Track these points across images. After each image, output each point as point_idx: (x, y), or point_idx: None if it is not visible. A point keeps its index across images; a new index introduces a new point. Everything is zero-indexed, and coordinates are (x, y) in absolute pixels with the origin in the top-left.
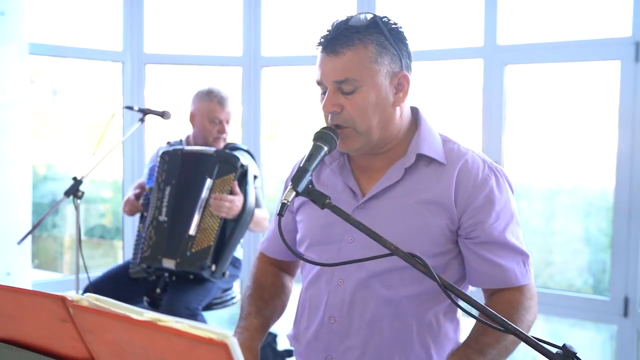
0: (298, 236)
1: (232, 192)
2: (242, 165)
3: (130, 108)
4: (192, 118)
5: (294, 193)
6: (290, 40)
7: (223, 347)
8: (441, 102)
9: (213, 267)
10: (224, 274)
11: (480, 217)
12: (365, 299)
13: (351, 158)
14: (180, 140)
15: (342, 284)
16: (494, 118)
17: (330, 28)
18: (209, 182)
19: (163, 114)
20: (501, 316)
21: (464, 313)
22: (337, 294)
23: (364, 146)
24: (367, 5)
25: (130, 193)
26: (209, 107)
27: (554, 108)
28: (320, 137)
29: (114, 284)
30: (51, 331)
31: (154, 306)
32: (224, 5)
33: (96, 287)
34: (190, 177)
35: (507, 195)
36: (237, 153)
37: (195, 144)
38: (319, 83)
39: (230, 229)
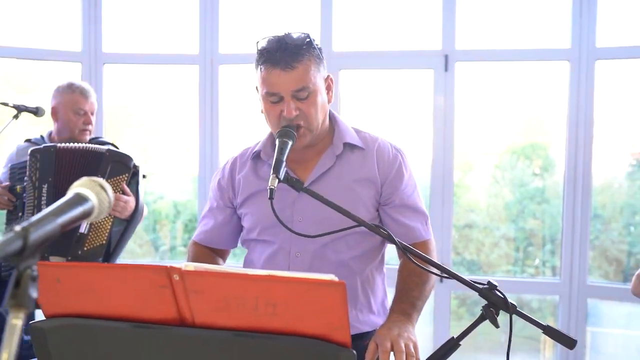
0: (247, 225)
1: (123, 192)
2: (134, 166)
3: (5, 104)
4: (55, 113)
5: (277, 180)
6: (248, 38)
7: (341, 286)
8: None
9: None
10: None
11: (395, 185)
12: (320, 264)
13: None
14: (42, 137)
15: (300, 255)
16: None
17: (270, 47)
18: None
19: (36, 111)
20: (420, 265)
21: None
22: (297, 264)
23: (311, 140)
24: (325, 4)
25: None
26: (72, 99)
27: (378, 111)
28: (285, 134)
29: None
30: (145, 299)
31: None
32: (181, 3)
33: None
34: (74, 174)
35: (410, 168)
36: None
37: (60, 140)
38: (273, 94)
39: (123, 228)
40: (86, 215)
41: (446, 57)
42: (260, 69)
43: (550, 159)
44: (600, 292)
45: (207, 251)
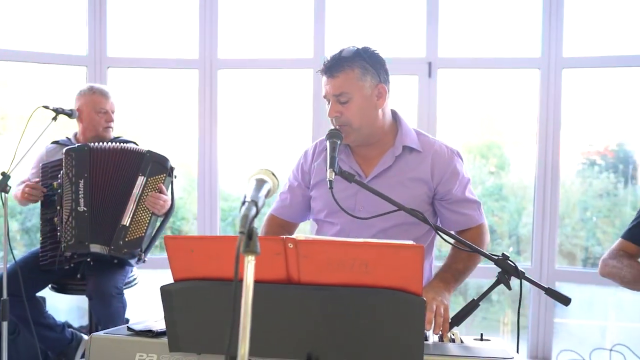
0: (316, 207)
1: (160, 191)
2: (171, 167)
3: (46, 107)
4: (79, 114)
5: (333, 173)
6: (247, 43)
7: (420, 248)
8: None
9: (142, 255)
10: (145, 260)
11: (449, 186)
12: None
13: (353, 150)
14: (68, 138)
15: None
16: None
17: (328, 58)
18: (141, 179)
19: (71, 113)
20: (470, 243)
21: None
22: None
23: (358, 138)
24: (319, 8)
25: (18, 189)
26: (93, 100)
27: None
28: (333, 135)
29: (27, 272)
30: (261, 264)
31: (62, 291)
32: (181, 8)
33: (10, 277)
34: (111, 171)
35: (462, 167)
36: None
37: (85, 139)
38: (325, 97)
39: (159, 223)
40: (271, 192)
41: (430, 64)
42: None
43: (505, 157)
44: (567, 276)
45: (278, 226)
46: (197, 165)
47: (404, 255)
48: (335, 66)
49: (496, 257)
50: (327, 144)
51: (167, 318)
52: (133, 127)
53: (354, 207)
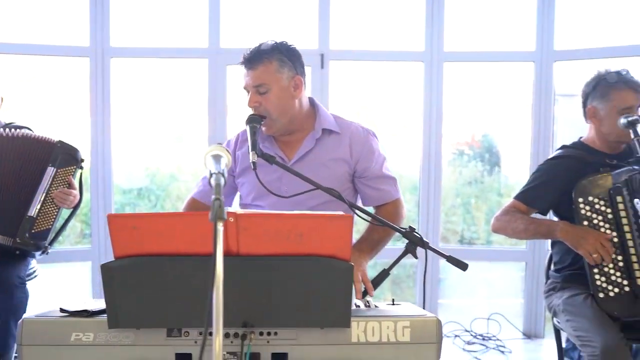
0: (244, 192)
1: (69, 184)
2: (81, 158)
3: None
4: None
5: (256, 155)
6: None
7: (349, 218)
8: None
9: (48, 248)
10: (48, 252)
11: (367, 164)
12: None
13: (276, 137)
14: None
15: None
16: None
17: (248, 51)
18: (51, 170)
19: None
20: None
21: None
22: None
23: (279, 129)
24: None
25: None
26: None
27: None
28: (252, 120)
29: None
30: (201, 238)
31: None
32: None
33: None
34: (15, 159)
35: (377, 145)
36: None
37: None
38: (245, 88)
39: (65, 215)
40: (227, 165)
41: (322, 55)
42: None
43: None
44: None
45: (199, 209)
46: (89, 157)
47: (335, 225)
48: (254, 59)
49: (404, 230)
50: (248, 128)
51: (107, 295)
52: (25, 115)
53: (280, 188)
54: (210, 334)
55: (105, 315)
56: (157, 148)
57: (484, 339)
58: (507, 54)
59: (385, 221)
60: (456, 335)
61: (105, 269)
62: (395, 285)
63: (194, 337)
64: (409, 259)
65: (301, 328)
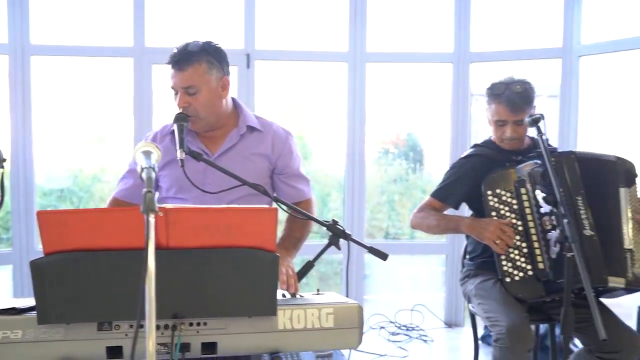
0: (165, 186)
1: None
2: (3, 159)
3: None
4: None
5: (183, 153)
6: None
7: (274, 211)
8: None
9: None
10: None
11: (286, 162)
12: None
13: (198, 132)
14: None
15: None
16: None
17: (175, 51)
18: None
19: None
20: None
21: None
22: None
23: (204, 125)
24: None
25: None
26: None
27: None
28: (180, 119)
29: None
30: (131, 233)
31: None
32: None
33: None
34: None
35: (296, 146)
36: None
37: None
38: (173, 88)
39: None
40: (158, 160)
41: (248, 55)
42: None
43: (307, 147)
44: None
45: (123, 206)
46: (9, 158)
47: (261, 218)
48: (183, 60)
49: (327, 223)
50: (175, 127)
51: (37, 291)
52: None
53: (203, 182)
54: (142, 326)
55: (34, 312)
56: (80, 148)
57: (407, 330)
58: (426, 55)
59: (310, 215)
60: (381, 327)
61: (35, 266)
62: (322, 282)
63: (124, 330)
64: (335, 254)
65: (230, 317)
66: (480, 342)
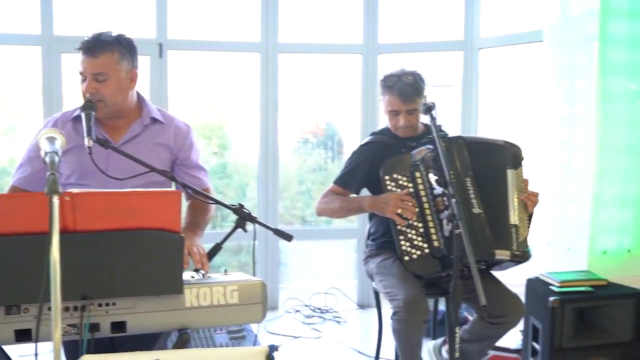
0: (66, 172)
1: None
2: None
3: None
4: None
5: (92, 141)
6: None
7: (178, 193)
8: None
9: None
10: None
11: (188, 153)
12: None
13: (100, 121)
14: None
15: None
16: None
17: (88, 38)
18: None
19: None
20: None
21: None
22: None
23: (108, 113)
24: None
25: None
26: None
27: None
28: (87, 107)
29: None
30: (38, 217)
31: None
32: None
33: None
34: None
35: (195, 139)
36: None
37: None
38: (82, 73)
39: None
40: (62, 146)
41: (160, 45)
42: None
43: (227, 138)
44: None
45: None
46: None
47: (165, 200)
48: (97, 47)
49: (234, 207)
50: (83, 115)
51: None
52: None
53: (106, 169)
54: (50, 308)
55: None
56: None
57: (322, 312)
58: (337, 46)
59: (216, 199)
60: (297, 311)
61: None
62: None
63: (33, 313)
64: (243, 240)
65: (138, 297)
66: None
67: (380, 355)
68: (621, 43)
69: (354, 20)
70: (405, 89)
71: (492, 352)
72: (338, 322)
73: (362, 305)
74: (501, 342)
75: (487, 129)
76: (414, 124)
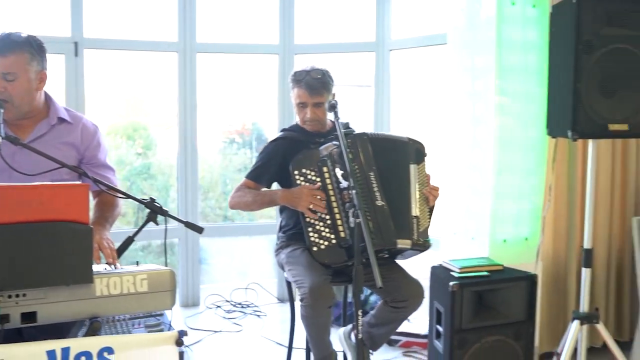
0: None
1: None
2: None
3: None
4: None
5: (1, 138)
6: None
7: (86, 186)
8: None
9: None
10: None
11: (95, 152)
12: None
13: (7, 120)
14: None
15: None
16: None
17: None
18: None
19: None
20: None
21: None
22: None
23: (17, 114)
24: None
25: None
26: None
27: None
28: None
29: None
30: None
31: None
32: None
33: None
34: None
35: (104, 139)
36: None
37: None
38: None
39: None
40: None
41: (76, 43)
42: None
43: (151, 138)
44: (211, 232)
45: None
46: None
47: (73, 192)
48: (6, 46)
49: (146, 201)
50: None
51: None
52: None
53: (11, 164)
54: None
55: None
56: None
57: (242, 307)
58: (255, 47)
59: (129, 194)
60: (218, 306)
61: None
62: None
63: None
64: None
65: (49, 287)
66: None
67: (294, 344)
68: (515, 47)
69: (270, 21)
70: (313, 82)
71: (404, 339)
72: (258, 315)
73: (281, 299)
74: (412, 329)
75: (399, 127)
76: (321, 118)
